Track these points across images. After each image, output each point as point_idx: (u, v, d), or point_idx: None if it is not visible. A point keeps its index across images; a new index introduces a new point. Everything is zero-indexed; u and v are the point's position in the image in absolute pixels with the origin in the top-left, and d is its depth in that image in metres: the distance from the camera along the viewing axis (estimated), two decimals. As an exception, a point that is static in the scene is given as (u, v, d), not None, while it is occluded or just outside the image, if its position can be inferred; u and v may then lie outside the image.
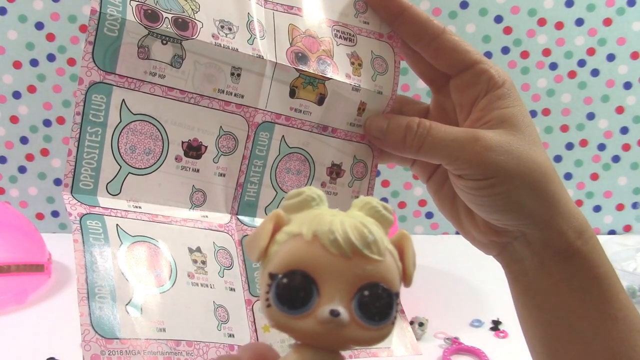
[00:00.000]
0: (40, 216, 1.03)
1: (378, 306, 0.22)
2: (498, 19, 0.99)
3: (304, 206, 0.24)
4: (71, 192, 0.35)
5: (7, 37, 0.95)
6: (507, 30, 0.99)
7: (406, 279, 0.23)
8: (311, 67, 0.40)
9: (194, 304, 0.36)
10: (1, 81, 0.97)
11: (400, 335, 0.41)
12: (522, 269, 0.41)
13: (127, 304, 0.33)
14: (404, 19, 0.41)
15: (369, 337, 0.22)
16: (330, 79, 0.40)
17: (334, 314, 0.21)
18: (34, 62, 0.96)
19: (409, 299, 0.81)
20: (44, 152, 1.00)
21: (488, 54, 1.00)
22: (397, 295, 0.22)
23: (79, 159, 0.35)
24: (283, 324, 0.22)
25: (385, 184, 1.05)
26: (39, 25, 0.95)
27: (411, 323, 0.71)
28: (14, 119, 0.99)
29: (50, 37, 0.95)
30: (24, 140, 1.00)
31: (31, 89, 0.97)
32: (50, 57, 0.96)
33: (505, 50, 1.00)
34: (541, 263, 0.40)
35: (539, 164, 0.39)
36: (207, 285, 0.37)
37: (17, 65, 0.96)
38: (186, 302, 0.35)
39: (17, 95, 0.98)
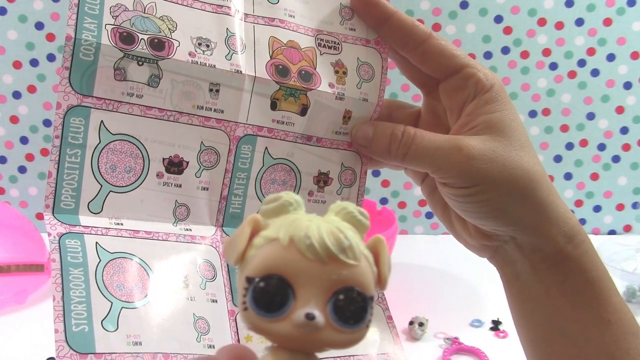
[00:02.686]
0: (40, 216, 1.03)
1: (353, 310, 0.22)
2: (498, 19, 0.99)
3: (282, 211, 0.24)
4: (52, 213, 0.36)
5: (7, 37, 0.95)
6: (507, 30, 0.99)
7: (381, 283, 0.24)
8: (292, 79, 0.40)
9: (172, 317, 0.36)
10: (1, 81, 0.97)
11: (388, 341, 0.41)
12: (514, 271, 0.41)
13: (103, 320, 0.34)
14: (390, 25, 0.41)
15: (343, 340, 0.23)
16: (312, 89, 0.40)
17: (310, 317, 0.22)
18: (34, 62, 0.96)
19: (409, 299, 0.81)
20: (44, 152, 1.00)
21: (488, 54, 1.00)
22: (371, 299, 0.23)
23: (59, 180, 0.36)
24: (259, 327, 0.22)
25: (385, 184, 1.05)
26: (39, 25, 0.95)
27: (411, 323, 0.71)
28: (14, 119, 0.99)
29: (50, 37, 0.95)
30: (24, 140, 1.00)
31: (31, 89, 0.97)
32: (50, 57, 0.96)
33: (505, 50, 1.00)
34: (532, 267, 0.40)
35: (525, 170, 0.38)
36: (187, 298, 0.37)
37: (17, 65, 0.96)
38: (164, 315, 0.36)
39: (17, 95, 0.98)
